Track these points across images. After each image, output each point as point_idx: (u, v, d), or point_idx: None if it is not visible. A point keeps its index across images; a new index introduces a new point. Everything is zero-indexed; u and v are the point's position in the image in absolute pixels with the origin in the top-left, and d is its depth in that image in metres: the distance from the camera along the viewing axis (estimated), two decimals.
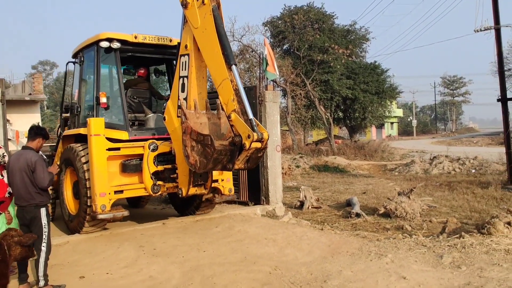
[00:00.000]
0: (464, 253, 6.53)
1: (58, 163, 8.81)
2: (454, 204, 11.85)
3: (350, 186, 16.68)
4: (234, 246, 7.15)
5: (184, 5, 6.73)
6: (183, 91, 6.91)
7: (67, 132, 8.54)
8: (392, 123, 70.01)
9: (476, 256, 6.37)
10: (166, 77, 9.67)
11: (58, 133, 9.75)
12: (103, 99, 7.56)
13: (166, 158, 7.72)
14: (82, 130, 7.72)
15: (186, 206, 9.14)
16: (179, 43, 7.16)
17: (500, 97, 15.29)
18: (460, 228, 8.48)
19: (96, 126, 7.26)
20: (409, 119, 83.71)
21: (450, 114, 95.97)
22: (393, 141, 48.59)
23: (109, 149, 7.39)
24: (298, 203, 12.10)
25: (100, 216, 7.08)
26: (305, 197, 12.10)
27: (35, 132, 5.83)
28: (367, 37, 37.45)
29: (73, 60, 8.88)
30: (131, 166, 7.60)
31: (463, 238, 7.32)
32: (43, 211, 5.56)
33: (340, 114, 36.90)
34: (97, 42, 7.73)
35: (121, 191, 7.46)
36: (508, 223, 7.69)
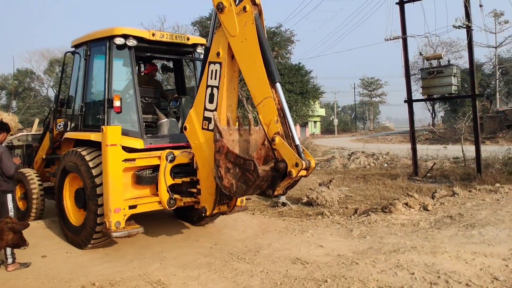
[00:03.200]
0: (369, 227, 8.00)
1: (44, 156, 8.77)
2: (367, 193, 13.41)
3: None
4: (178, 229, 8.10)
5: (220, 9, 5.95)
6: (211, 101, 6.26)
7: (72, 135, 7.57)
8: (315, 122, 73.27)
9: (379, 229, 7.86)
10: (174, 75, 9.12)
11: (46, 124, 9.03)
12: (117, 103, 6.82)
13: (183, 169, 7.03)
14: (93, 136, 6.86)
15: (189, 214, 8.38)
16: (207, 48, 6.47)
17: (406, 99, 17.30)
18: (369, 209, 10.01)
19: (112, 136, 6.44)
20: (331, 118, 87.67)
21: (369, 113, 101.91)
22: (316, 139, 51.08)
23: (125, 160, 6.64)
24: None
25: (115, 234, 6.38)
26: None
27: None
28: (292, 39, 39.32)
29: (73, 50, 8.03)
30: (146, 178, 6.87)
31: (369, 216, 8.81)
32: (9, 196, 6.25)
33: None
34: (110, 38, 6.96)
35: (135, 206, 6.72)
36: (406, 204, 9.34)
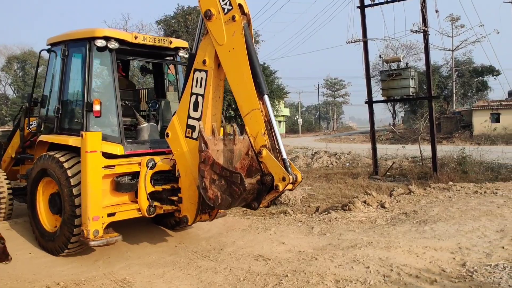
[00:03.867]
0: (329, 225, 8.32)
1: (13, 155, 8.56)
2: (329, 192, 13.80)
3: None
4: (143, 228, 8.17)
5: (208, 17, 5.84)
6: (195, 110, 6.15)
7: (48, 138, 7.19)
8: (280, 121, 73.98)
9: (338, 226, 8.18)
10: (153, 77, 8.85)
11: (16, 123, 8.71)
12: (97, 107, 6.56)
13: (164, 176, 6.87)
14: (72, 141, 6.58)
15: (165, 220, 8.23)
16: (192, 54, 6.31)
17: (367, 100, 17.86)
18: (330, 208, 10.37)
19: (93, 142, 6.20)
20: (295, 118, 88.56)
21: (332, 113, 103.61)
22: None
23: (105, 167, 6.42)
24: None
25: (93, 243, 6.18)
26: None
27: None
28: (257, 40, 39.66)
29: (48, 48, 7.67)
30: (126, 185, 6.66)
31: (330, 214, 9.15)
32: None
33: (232, 113, 38.65)
34: (91, 39, 6.70)
35: (114, 214, 6.50)
36: (365, 202, 9.73)
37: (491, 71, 51.02)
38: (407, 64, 18.47)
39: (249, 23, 5.72)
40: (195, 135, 6.10)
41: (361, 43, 17.96)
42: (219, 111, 6.28)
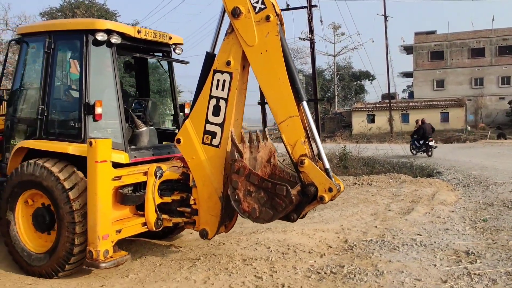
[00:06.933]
0: None
1: None
2: None
3: None
4: None
5: (236, 15, 5.33)
6: (216, 114, 5.61)
7: (35, 144, 6.05)
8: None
9: (239, 218, 8.97)
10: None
11: None
12: (99, 109, 5.79)
13: (170, 186, 6.27)
14: (72, 149, 5.67)
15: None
16: (211, 54, 5.81)
17: (260, 101, 19.04)
18: None
19: (103, 150, 5.35)
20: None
21: None
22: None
23: (114, 178, 5.65)
24: None
25: (104, 265, 5.42)
26: None
27: None
28: None
29: (18, 38, 6.68)
30: (133, 197, 5.95)
31: None
32: None
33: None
34: (89, 32, 5.87)
35: (119, 230, 5.78)
36: None
37: (368, 76, 56.27)
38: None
39: (281, 23, 5.39)
40: (215, 142, 5.66)
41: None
42: (241, 116, 5.92)
